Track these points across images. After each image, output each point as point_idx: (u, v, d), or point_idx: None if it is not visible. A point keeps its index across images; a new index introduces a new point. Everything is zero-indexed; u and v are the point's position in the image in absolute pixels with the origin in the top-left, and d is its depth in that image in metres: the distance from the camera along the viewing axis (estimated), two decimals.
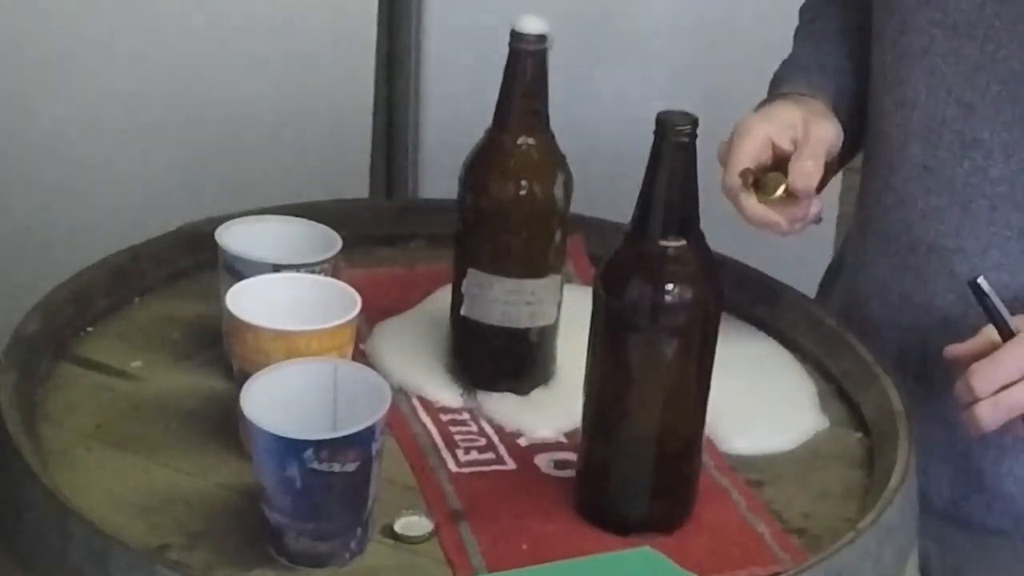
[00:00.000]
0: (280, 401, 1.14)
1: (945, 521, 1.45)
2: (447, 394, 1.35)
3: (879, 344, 1.44)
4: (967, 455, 1.44)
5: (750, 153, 1.35)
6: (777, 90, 1.47)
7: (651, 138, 1.15)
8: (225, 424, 1.25)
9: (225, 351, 1.32)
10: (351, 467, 1.10)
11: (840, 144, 1.40)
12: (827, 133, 1.38)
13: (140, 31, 2.02)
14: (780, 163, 1.37)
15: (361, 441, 1.10)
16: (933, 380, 1.40)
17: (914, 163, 1.41)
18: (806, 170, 1.34)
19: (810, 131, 1.37)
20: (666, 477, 1.21)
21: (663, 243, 1.15)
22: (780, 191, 1.34)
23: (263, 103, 2.11)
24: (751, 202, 1.35)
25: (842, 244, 1.64)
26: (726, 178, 1.36)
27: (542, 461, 1.28)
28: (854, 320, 1.49)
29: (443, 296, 1.40)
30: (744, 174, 1.34)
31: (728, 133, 1.38)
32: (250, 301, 1.23)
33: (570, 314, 1.33)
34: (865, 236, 1.50)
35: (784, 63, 1.53)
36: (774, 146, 1.37)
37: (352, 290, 1.27)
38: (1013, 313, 1.30)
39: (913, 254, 1.43)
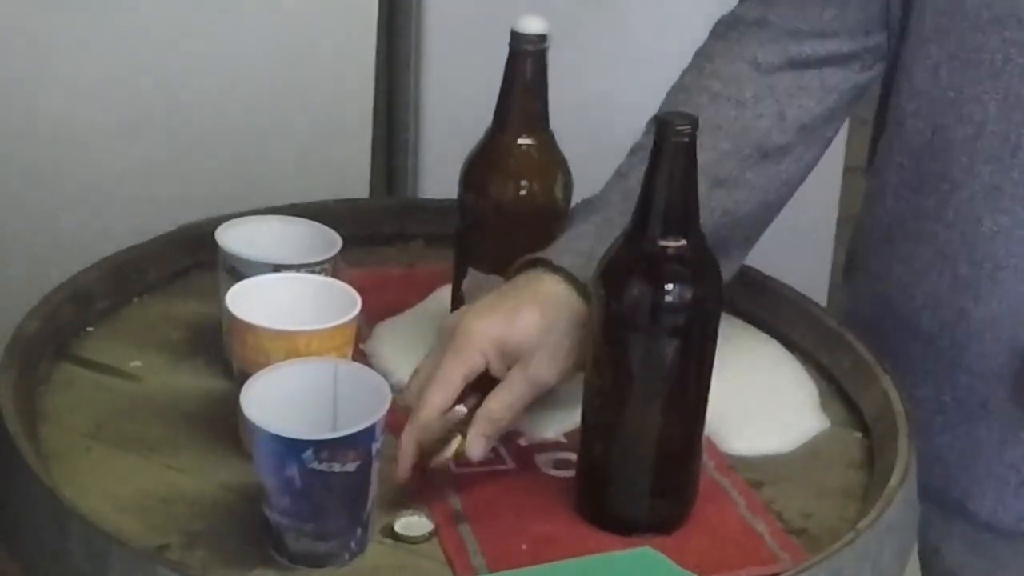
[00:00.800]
0: (280, 401, 1.14)
1: (983, 533, 1.45)
2: None
3: (928, 357, 1.43)
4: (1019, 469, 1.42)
5: (444, 405, 1.20)
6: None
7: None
8: (225, 424, 1.25)
9: (225, 351, 1.32)
10: (351, 467, 1.10)
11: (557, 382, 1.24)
12: (541, 379, 1.23)
13: (140, 30, 2.02)
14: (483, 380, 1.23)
15: (361, 441, 1.10)
16: (989, 397, 1.39)
17: (982, 182, 1.36)
18: (483, 444, 1.21)
19: (521, 381, 1.22)
20: (666, 477, 1.21)
21: (663, 243, 1.15)
22: (451, 453, 1.20)
23: (263, 103, 2.10)
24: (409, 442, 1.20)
25: (861, 249, 1.56)
26: (417, 416, 1.20)
27: (542, 461, 1.28)
28: (897, 329, 1.46)
29: (443, 296, 1.40)
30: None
31: None
32: (250, 301, 1.23)
33: None
34: (914, 249, 1.44)
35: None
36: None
37: (352, 290, 1.27)
38: None
39: (976, 271, 1.38)
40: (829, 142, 1.41)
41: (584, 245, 1.25)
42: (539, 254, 1.26)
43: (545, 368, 1.22)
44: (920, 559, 1.34)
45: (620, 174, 1.32)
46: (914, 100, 1.41)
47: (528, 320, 1.22)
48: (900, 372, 1.39)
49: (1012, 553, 1.45)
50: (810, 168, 1.40)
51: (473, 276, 1.33)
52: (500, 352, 1.21)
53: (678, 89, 1.39)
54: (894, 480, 1.23)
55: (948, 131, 1.38)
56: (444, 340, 1.22)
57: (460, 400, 1.20)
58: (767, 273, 1.53)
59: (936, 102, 1.39)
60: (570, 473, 1.25)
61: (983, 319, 1.39)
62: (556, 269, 1.24)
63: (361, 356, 1.35)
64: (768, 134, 1.35)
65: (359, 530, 1.14)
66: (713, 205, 1.29)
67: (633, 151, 1.34)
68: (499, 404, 1.21)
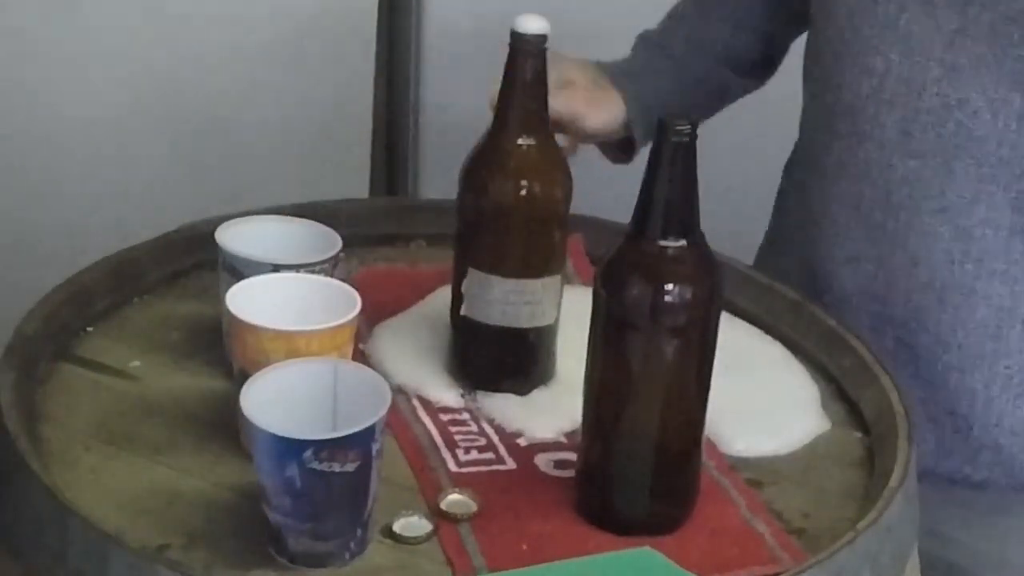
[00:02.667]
0: (280, 401, 1.14)
1: (922, 482, 1.46)
2: (447, 394, 1.35)
3: (851, 312, 1.48)
4: (953, 411, 1.47)
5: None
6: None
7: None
8: (225, 424, 1.25)
9: (225, 351, 1.32)
10: (351, 467, 1.10)
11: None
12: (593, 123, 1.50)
13: (140, 30, 2.02)
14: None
15: (361, 441, 1.10)
16: (918, 341, 1.45)
17: (890, 130, 1.43)
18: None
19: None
20: (666, 477, 1.21)
21: (663, 243, 1.15)
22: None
23: (263, 103, 2.11)
24: None
25: (775, 219, 1.66)
26: None
27: (542, 461, 1.28)
28: (821, 291, 1.51)
29: (443, 296, 1.40)
30: None
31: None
32: (250, 301, 1.23)
33: (570, 314, 1.33)
34: (826, 207, 1.50)
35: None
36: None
37: (352, 290, 1.27)
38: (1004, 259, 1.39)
39: (892, 219, 1.44)
40: None
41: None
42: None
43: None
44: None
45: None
46: (820, 65, 1.49)
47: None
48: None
49: (946, 501, 1.49)
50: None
51: (473, 276, 1.33)
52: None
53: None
54: (894, 480, 1.23)
55: (850, 86, 1.45)
56: None
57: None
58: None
59: (841, 58, 1.45)
60: (570, 473, 1.25)
61: (902, 267, 1.44)
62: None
63: (361, 356, 1.35)
64: None
65: (359, 530, 1.14)
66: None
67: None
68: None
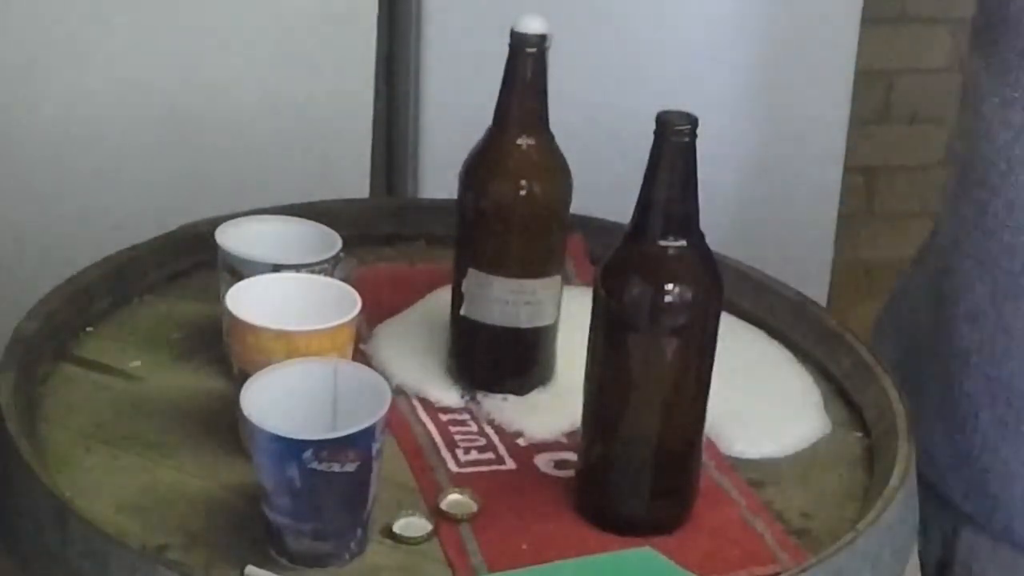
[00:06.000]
0: (280, 401, 1.14)
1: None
2: (447, 394, 1.35)
3: (966, 371, 1.43)
4: None
5: None
6: None
7: (651, 138, 1.15)
8: (225, 424, 1.25)
9: (225, 351, 1.32)
10: (351, 467, 1.10)
11: None
12: None
13: (140, 31, 2.02)
14: None
15: (361, 441, 1.10)
16: None
17: (1021, 186, 1.36)
18: None
19: None
20: (666, 477, 1.21)
21: (663, 243, 1.15)
22: None
23: (263, 103, 2.10)
24: None
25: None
26: None
27: (542, 461, 1.28)
28: (944, 345, 1.46)
29: (443, 296, 1.40)
30: None
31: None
32: (250, 301, 1.23)
33: (570, 314, 1.33)
34: (957, 261, 1.43)
35: None
36: None
37: (352, 290, 1.27)
38: None
39: (1016, 279, 1.38)
40: None
41: None
42: None
43: None
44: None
45: None
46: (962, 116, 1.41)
47: None
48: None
49: None
50: None
51: (473, 276, 1.33)
52: None
53: None
54: (894, 480, 1.23)
55: (990, 138, 1.37)
56: None
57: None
58: (767, 272, 1.53)
59: (981, 106, 1.38)
60: (570, 473, 1.25)
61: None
62: None
63: (361, 356, 1.35)
64: None
65: (359, 530, 1.14)
66: None
67: None
68: None
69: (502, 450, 1.29)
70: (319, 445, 1.09)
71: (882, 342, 1.55)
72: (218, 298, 1.31)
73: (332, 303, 1.25)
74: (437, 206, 1.58)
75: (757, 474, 1.29)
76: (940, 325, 1.46)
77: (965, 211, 1.42)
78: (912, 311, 1.54)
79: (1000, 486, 1.42)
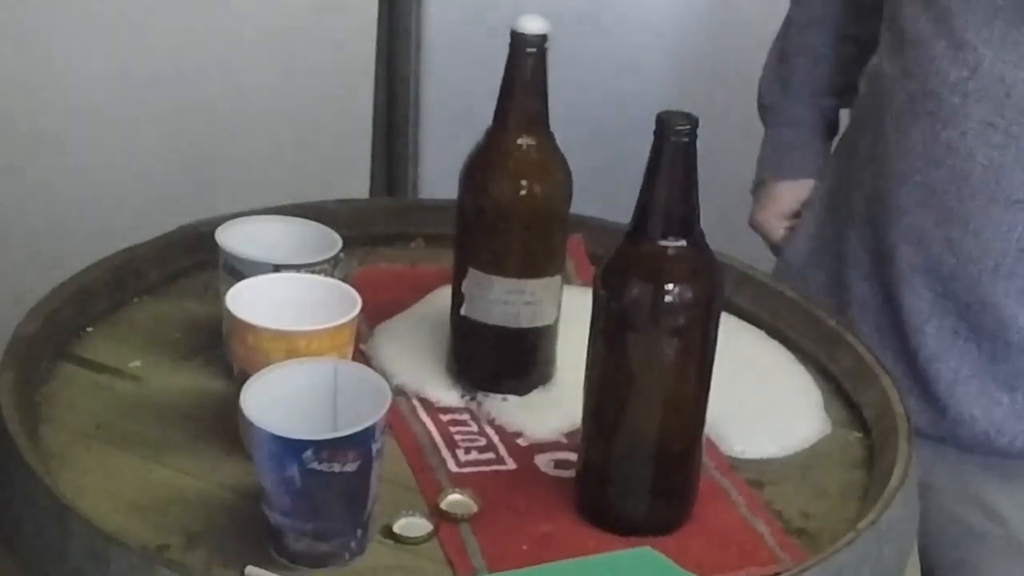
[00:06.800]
0: (280, 401, 1.14)
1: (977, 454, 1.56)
2: (447, 394, 1.35)
3: (912, 290, 1.53)
4: (1015, 387, 1.53)
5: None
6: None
7: (651, 138, 1.15)
8: (225, 424, 1.25)
9: (225, 351, 1.32)
10: (351, 467, 1.10)
11: None
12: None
13: (141, 31, 2.02)
14: None
15: (361, 441, 1.10)
16: (982, 323, 1.50)
17: (975, 120, 1.46)
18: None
19: None
20: (666, 477, 1.21)
21: (663, 243, 1.15)
22: None
23: (263, 103, 2.11)
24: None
25: (834, 190, 1.69)
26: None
27: (542, 461, 1.28)
28: (883, 265, 1.56)
29: (443, 296, 1.40)
30: None
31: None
32: (250, 301, 1.24)
33: (570, 314, 1.33)
34: (898, 186, 1.53)
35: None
36: None
37: (352, 290, 1.27)
38: None
39: (965, 205, 1.48)
40: None
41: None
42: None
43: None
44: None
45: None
46: (901, 58, 1.53)
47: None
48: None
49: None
50: None
51: (473, 276, 1.33)
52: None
53: None
54: (894, 480, 1.23)
55: (940, 76, 1.48)
56: None
57: None
58: (767, 272, 1.53)
59: (932, 47, 1.49)
60: (570, 473, 1.25)
61: (972, 253, 1.49)
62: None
63: (361, 356, 1.35)
64: None
65: (359, 530, 1.14)
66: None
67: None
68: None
69: (502, 450, 1.29)
70: (319, 445, 1.09)
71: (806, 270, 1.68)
72: (218, 298, 1.31)
73: (332, 303, 1.25)
74: (437, 206, 1.58)
75: (757, 474, 1.29)
76: (881, 245, 1.58)
77: (915, 138, 1.52)
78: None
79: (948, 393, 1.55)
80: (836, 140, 1.76)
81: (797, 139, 1.75)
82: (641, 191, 1.16)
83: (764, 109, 1.78)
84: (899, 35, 1.54)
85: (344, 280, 1.32)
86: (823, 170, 1.73)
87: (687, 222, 1.16)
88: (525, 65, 1.29)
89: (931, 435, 1.53)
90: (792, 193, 1.74)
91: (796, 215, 1.74)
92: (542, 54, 1.29)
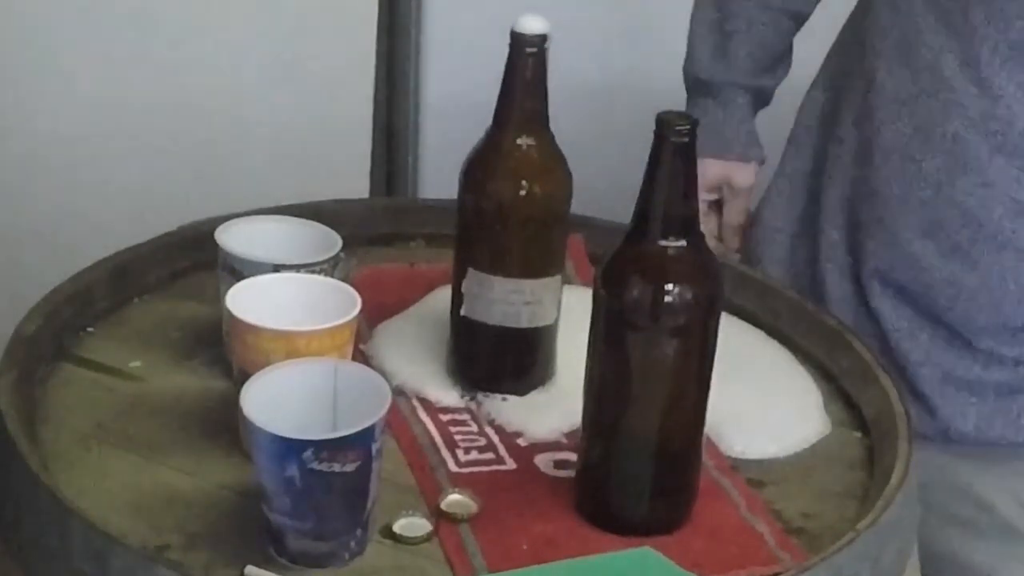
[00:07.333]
0: (280, 401, 1.14)
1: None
2: (447, 394, 1.35)
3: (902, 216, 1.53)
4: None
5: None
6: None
7: (651, 138, 1.15)
8: (225, 424, 1.25)
9: (225, 351, 1.32)
10: (351, 467, 1.10)
11: None
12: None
13: (141, 32, 2.02)
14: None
15: (361, 441, 1.10)
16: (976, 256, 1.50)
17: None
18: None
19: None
20: (666, 477, 1.21)
21: (663, 243, 1.15)
22: None
23: (263, 103, 2.11)
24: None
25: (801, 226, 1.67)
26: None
27: (542, 461, 1.28)
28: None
29: (443, 296, 1.40)
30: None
31: None
32: (250, 301, 1.23)
33: (570, 314, 1.33)
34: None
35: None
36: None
37: (352, 290, 1.27)
38: None
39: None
40: None
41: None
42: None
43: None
44: None
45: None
46: (894, 103, 1.52)
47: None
48: None
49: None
50: None
51: (473, 276, 1.33)
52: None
53: None
54: (894, 480, 1.23)
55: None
56: None
57: None
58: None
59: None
60: (570, 473, 1.25)
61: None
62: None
63: (361, 356, 1.35)
64: None
65: (359, 530, 1.14)
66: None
67: None
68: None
69: (502, 450, 1.29)
70: (319, 445, 1.09)
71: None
72: (218, 298, 1.31)
73: (332, 303, 1.25)
74: (437, 206, 1.58)
75: (757, 474, 1.29)
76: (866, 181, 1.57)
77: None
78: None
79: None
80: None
81: (731, 118, 1.72)
82: (641, 191, 1.16)
83: (696, 81, 1.73)
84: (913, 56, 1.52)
85: (344, 280, 1.32)
86: (748, 153, 1.71)
87: (687, 222, 1.16)
88: (525, 65, 1.29)
89: (923, 435, 1.52)
90: (714, 170, 1.70)
91: (719, 202, 1.72)
92: (542, 54, 1.29)
